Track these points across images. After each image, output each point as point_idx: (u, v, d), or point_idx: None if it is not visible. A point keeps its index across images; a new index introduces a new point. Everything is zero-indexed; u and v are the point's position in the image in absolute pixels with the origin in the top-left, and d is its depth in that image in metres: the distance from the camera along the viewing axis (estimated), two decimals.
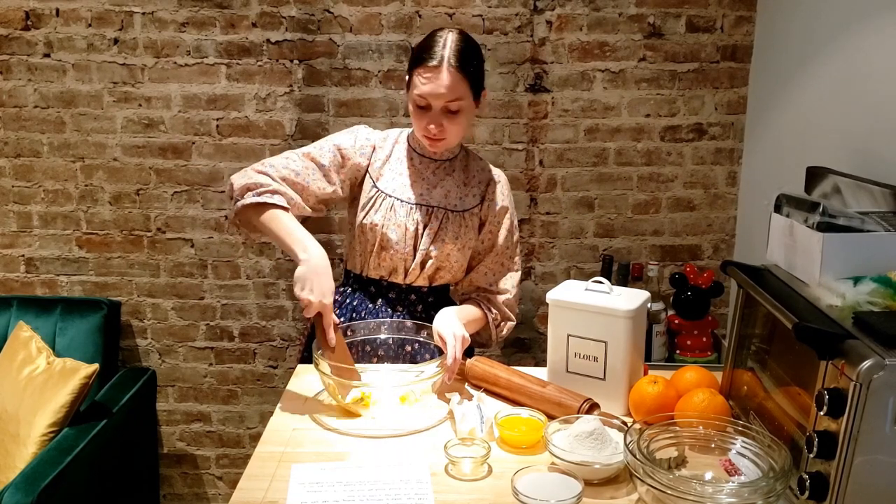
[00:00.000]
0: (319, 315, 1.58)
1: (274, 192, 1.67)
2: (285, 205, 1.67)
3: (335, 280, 1.70)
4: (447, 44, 1.66)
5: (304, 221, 1.73)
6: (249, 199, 1.66)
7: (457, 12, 2.46)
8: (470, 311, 1.79)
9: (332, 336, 1.58)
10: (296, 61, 2.50)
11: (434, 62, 1.64)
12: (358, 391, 1.53)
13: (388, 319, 1.77)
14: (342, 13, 2.46)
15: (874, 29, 1.75)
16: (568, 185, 2.58)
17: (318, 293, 1.56)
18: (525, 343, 2.71)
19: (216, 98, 2.52)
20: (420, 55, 1.67)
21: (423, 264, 1.77)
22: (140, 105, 2.53)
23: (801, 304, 1.29)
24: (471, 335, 1.85)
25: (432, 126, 1.68)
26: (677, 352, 2.40)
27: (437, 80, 1.64)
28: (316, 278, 1.58)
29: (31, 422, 2.14)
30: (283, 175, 1.71)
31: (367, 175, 1.79)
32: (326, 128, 2.53)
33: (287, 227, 1.64)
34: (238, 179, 1.70)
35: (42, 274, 2.66)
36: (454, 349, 1.57)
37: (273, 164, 1.72)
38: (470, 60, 1.68)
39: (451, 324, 1.63)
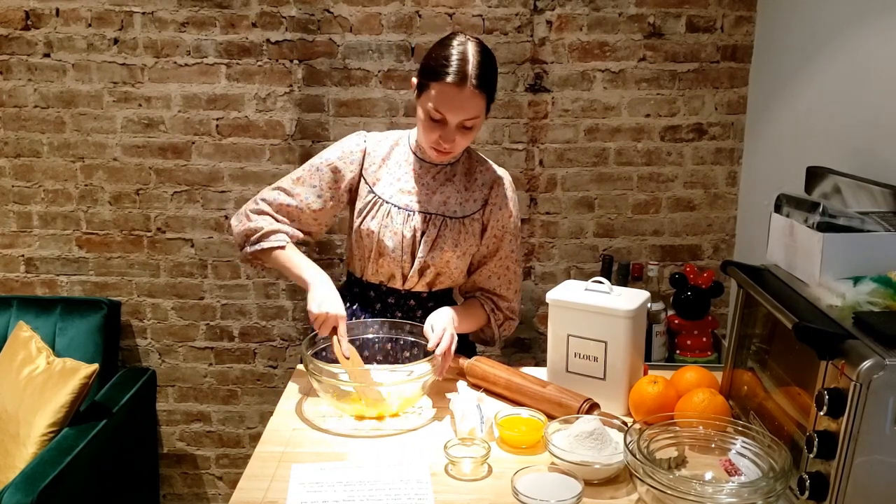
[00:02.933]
0: (334, 330, 1.63)
1: (271, 234, 1.74)
2: (284, 242, 1.74)
3: (336, 280, 1.73)
4: (469, 59, 1.58)
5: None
6: (250, 249, 1.76)
7: (457, 12, 2.46)
8: (470, 311, 1.79)
9: (346, 346, 1.63)
10: (296, 61, 2.50)
11: (457, 79, 1.56)
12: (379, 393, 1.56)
13: (388, 320, 1.77)
14: (342, 13, 2.46)
15: (874, 29, 1.75)
16: (568, 185, 2.58)
17: (332, 307, 1.62)
18: (525, 343, 2.71)
19: (216, 98, 2.52)
20: (440, 68, 1.58)
21: (421, 271, 1.75)
22: (140, 105, 2.53)
23: (801, 304, 1.29)
24: (473, 333, 1.86)
25: (444, 142, 1.63)
26: (677, 352, 2.40)
27: (459, 99, 1.58)
28: (326, 297, 1.64)
29: (31, 422, 2.14)
30: (278, 207, 1.77)
31: (363, 179, 1.77)
32: (326, 128, 2.53)
33: (291, 262, 1.73)
34: (237, 226, 1.79)
35: (42, 274, 2.66)
36: (444, 344, 1.58)
37: (265, 199, 1.78)
38: (492, 78, 1.62)
39: (442, 321, 1.64)
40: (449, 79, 1.57)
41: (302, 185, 1.76)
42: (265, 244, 1.74)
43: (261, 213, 1.77)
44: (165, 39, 2.48)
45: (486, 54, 1.62)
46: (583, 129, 2.54)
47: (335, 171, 1.76)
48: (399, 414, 1.56)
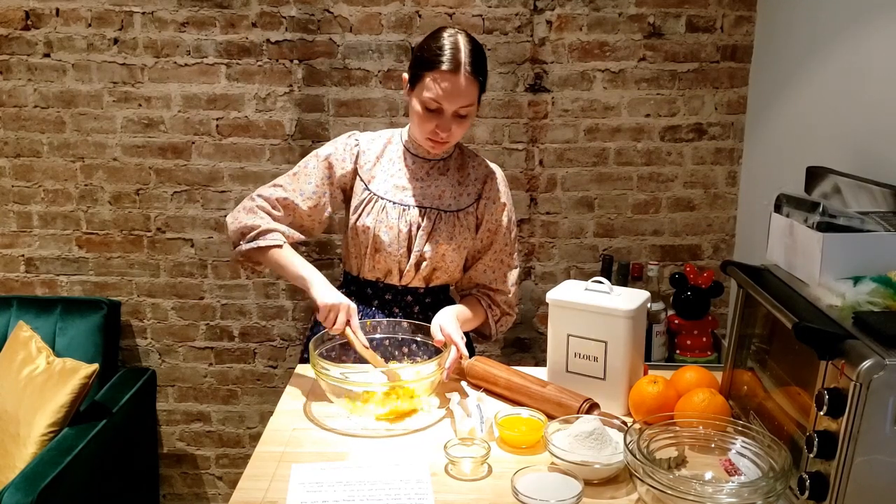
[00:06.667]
0: (346, 325, 1.65)
1: (267, 232, 1.73)
2: (281, 241, 1.73)
3: (335, 280, 1.74)
4: (461, 47, 1.63)
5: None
6: (245, 246, 1.73)
7: (457, 12, 2.46)
8: (470, 309, 1.80)
9: (363, 338, 1.65)
10: (296, 61, 2.50)
11: (451, 67, 1.61)
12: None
13: (385, 319, 1.77)
14: (342, 13, 2.46)
15: (874, 29, 1.75)
16: (568, 185, 2.58)
17: (342, 298, 1.64)
18: (525, 343, 2.71)
19: (216, 98, 2.52)
20: (434, 58, 1.63)
21: (417, 265, 1.76)
22: (140, 105, 2.53)
23: (801, 304, 1.29)
24: (471, 331, 1.87)
25: (441, 131, 1.66)
26: (677, 352, 2.40)
27: (456, 86, 1.62)
28: (332, 289, 1.66)
29: (31, 422, 2.14)
30: (274, 201, 1.76)
31: (358, 178, 1.78)
32: (326, 128, 2.53)
33: (288, 261, 1.72)
34: (232, 223, 1.77)
35: (42, 274, 2.66)
36: (462, 348, 1.62)
37: (261, 195, 1.77)
38: (483, 66, 1.68)
39: (450, 322, 1.66)
40: (444, 66, 1.61)
41: (297, 181, 1.78)
42: (261, 242, 1.72)
43: (258, 209, 1.76)
44: (165, 39, 2.48)
45: (476, 43, 1.68)
46: (583, 129, 2.54)
47: (329, 167, 1.78)
48: (417, 410, 1.57)
